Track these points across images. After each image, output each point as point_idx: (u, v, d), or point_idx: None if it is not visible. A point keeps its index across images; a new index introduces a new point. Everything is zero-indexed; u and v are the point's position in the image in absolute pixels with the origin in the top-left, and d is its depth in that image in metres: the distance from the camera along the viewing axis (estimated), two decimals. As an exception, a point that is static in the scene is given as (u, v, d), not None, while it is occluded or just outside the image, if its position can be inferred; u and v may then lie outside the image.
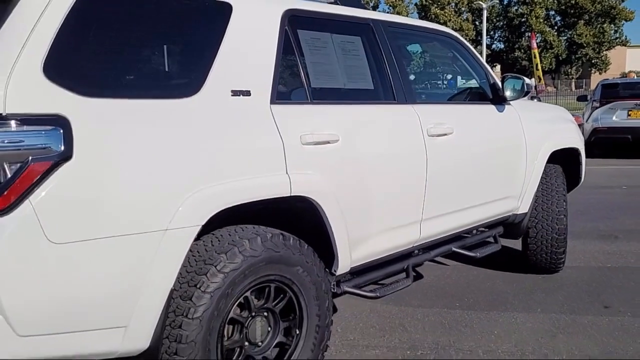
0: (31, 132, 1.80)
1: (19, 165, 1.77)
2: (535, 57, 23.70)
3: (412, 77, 3.60)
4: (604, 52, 51.88)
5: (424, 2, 55.27)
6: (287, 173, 2.44)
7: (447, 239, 3.58)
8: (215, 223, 2.24)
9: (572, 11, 50.92)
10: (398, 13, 55.68)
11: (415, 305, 3.89)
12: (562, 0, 50.60)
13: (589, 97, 13.22)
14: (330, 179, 2.63)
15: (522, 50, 51.19)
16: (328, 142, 2.64)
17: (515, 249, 4.80)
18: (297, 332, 2.58)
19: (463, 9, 54.43)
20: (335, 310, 3.64)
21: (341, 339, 3.36)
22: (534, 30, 45.69)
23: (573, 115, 5.08)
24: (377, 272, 3.14)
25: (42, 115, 1.83)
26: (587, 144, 10.73)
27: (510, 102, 3.90)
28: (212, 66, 2.34)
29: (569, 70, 54.29)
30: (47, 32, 1.90)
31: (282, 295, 2.53)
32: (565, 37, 52.52)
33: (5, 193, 1.76)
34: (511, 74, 3.89)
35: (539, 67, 21.53)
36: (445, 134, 3.28)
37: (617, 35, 52.44)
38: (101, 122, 1.95)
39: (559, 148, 4.27)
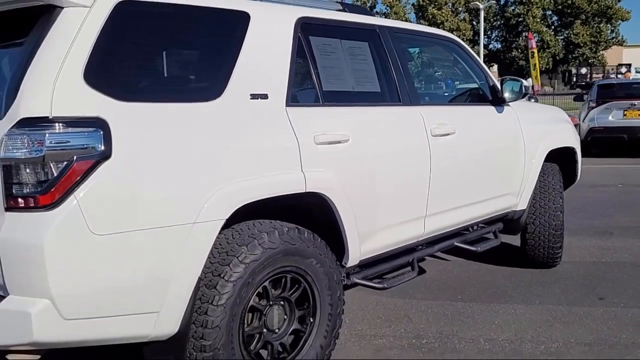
0: (75, 133, 1.97)
1: (65, 163, 1.94)
2: (533, 57, 23.92)
3: (416, 79, 3.78)
4: (601, 52, 52.14)
5: (421, 3, 55.43)
6: (302, 171, 2.61)
7: (450, 234, 3.77)
8: (235, 218, 2.41)
9: (568, 11, 51.17)
10: (395, 13, 55.82)
11: (419, 298, 4.07)
12: (558, 0, 50.87)
13: (585, 98, 13.42)
14: (341, 176, 2.80)
15: (519, 50, 51.39)
16: (339, 142, 2.81)
17: (513, 245, 4.98)
18: (311, 320, 2.76)
19: (460, 9, 54.63)
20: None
21: (349, 329, 3.53)
22: (531, 30, 45.97)
23: (569, 116, 5.26)
24: (384, 265, 3.32)
25: (84, 118, 2.00)
26: (584, 143, 11.00)
27: (509, 103, 4.08)
28: (232, 71, 2.51)
29: (566, 70, 54.53)
30: (85, 43, 2.08)
31: (297, 286, 2.70)
32: (562, 37, 52.77)
33: (53, 189, 1.93)
34: (510, 77, 4.08)
35: (537, 67, 21.70)
36: (448, 134, 3.46)
37: (614, 35, 52.72)
38: (136, 123, 2.12)
39: (555, 147, 4.45)
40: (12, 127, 1.95)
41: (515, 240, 4.83)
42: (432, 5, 54.16)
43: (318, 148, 2.71)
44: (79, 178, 1.96)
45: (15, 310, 1.94)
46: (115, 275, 2.06)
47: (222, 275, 2.35)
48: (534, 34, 43.28)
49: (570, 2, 50.09)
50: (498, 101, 4.03)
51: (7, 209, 1.97)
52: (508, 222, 4.32)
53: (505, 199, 4.12)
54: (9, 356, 2.21)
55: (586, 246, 5.35)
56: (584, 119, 12.26)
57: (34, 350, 2.22)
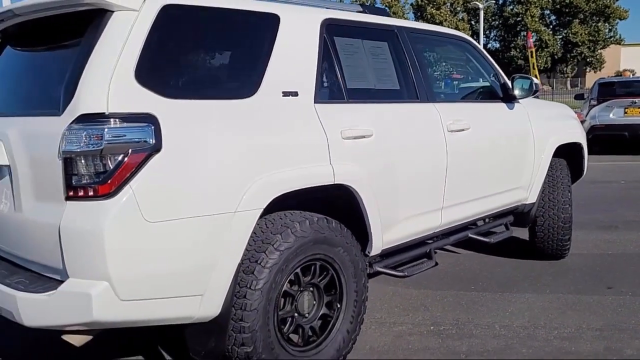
0: (129, 128, 2.13)
1: (121, 156, 2.09)
2: (531, 57, 24.09)
3: (431, 77, 3.93)
4: (599, 51, 52.37)
5: (420, 2, 55.61)
6: (330, 164, 2.76)
7: (464, 225, 3.92)
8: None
9: (567, 10, 51.38)
10: (394, 13, 56.02)
11: (434, 288, 4.22)
12: (557, -1, 51.13)
13: (586, 96, 13.59)
14: (366, 169, 2.95)
15: (518, 50, 51.62)
16: (364, 137, 2.97)
17: (521, 239, 5.14)
18: (338, 305, 2.91)
19: (459, 8, 54.83)
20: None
21: (369, 317, 3.66)
22: (530, 29, 46.16)
23: (576, 113, 5.42)
24: (403, 255, 3.47)
25: (136, 114, 2.15)
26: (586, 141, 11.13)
27: (519, 100, 4.24)
28: (265, 70, 2.66)
29: (565, 69, 54.78)
30: (135, 44, 2.23)
31: (325, 273, 2.85)
32: (561, 36, 52.98)
33: (110, 180, 2.08)
34: (520, 75, 4.24)
35: (535, 66, 21.87)
36: (463, 130, 3.61)
37: (612, 33, 52.96)
38: (182, 119, 2.27)
39: (563, 143, 4.61)
40: (71, 123, 2.10)
41: (523, 235, 4.99)
42: (431, 5, 54.34)
43: (344, 142, 2.86)
44: (133, 169, 2.11)
45: (77, 292, 2.09)
46: (165, 260, 2.21)
47: (258, 262, 2.50)
48: (533, 34, 43.48)
49: (568, 1, 50.31)
50: (509, 98, 4.18)
51: (68, 199, 2.12)
52: (518, 214, 4.47)
53: (516, 192, 4.28)
54: (64, 336, 2.36)
55: (592, 239, 5.50)
56: (585, 116, 12.42)
57: (86, 332, 2.36)
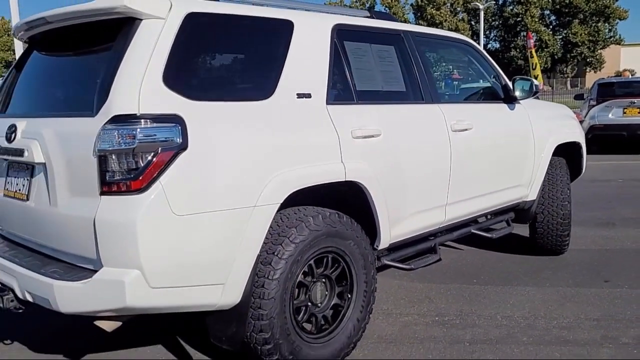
0: (159, 128, 2.29)
1: (152, 154, 2.26)
2: (532, 57, 24.21)
3: (436, 79, 4.10)
4: (599, 51, 52.55)
5: (420, 3, 55.79)
6: (342, 162, 2.93)
7: (467, 221, 4.09)
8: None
9: (566, 10, 51.55)
10: (394, 14, 56.18)
11: (438, 282, 4.39)
12: (556, -1, 51.30)
13: (585, 96, 13.75)
14: (374, 167, 3.11)
15: (518, 50, 51.79)
16: (372, 136, 3.13)
17: (523, 236, 5.30)
18: (349, 295, 3.07)
19: (459, 9, 55.01)
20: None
21: (376, 308, 3.81)
22: (530, 29, 46.29)
23: (575, 113, 5.59)
24: (409, 249, 3.64)
25: (165, 115, 2.32)
26: (584, 140, 11.28)
27: (520, 101, 4.40)
28: (281, 73, 2.83)
29: (564, 69, 54.96)
30: (163, 50, 2.39)
31: (337, 265, 3.02)
32: (560, 36, 53.16)
33: (142, 176, 2.25)
34: (520, 76, 4.41)
35: (537, 66, 22.00)
36: (466, 130, 3.78)
37: (612, 34, 53.13)
38: (206, 119, 2.44)
39: (562, 142, 4.78)
40: (106, 123, 2.26)
41: (523, 231, 5.16)
42: (431, 6, 54.51)
43: (355, 142, 3.02)
44: (162, 166, 2.27)
45: (111, 280, 2.26)
46: (191, 250, 2.38)
47: (275, 254, 2.67)
48: (533, 34, 43.61)
49: (568, 1, 50.48)
50: (510, 99, 4.35)
51: (102, 193, 2.29)
52: (519, 211, 4.64)
53: (517, 189, 4.44)
54: (96, 322, 2.52)
55: (591, 236, 5.67)
56: (585, 116, 12.60)
57: (117, 318, 2.53)
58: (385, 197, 3.17)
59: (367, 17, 3.69)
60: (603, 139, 12.37)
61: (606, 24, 52.13)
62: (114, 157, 2.26)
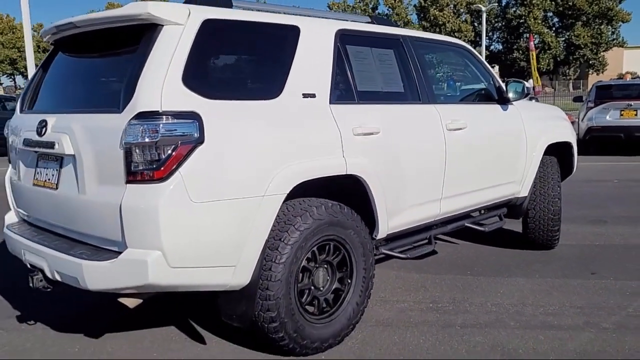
0: (179, 123, 2.55)
1: (172, 147, 2.52)
2: (533, 59, 24.47)
3: (432, 81, 4.34)
4: (602, 53, 52.74)
5: (423, 4, 56.00)
6: (343, 157, 3.18)
7: (461, 215, 4.34)
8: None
9: (569, 12, 51.74)
10: (397, 14, 56.39)
11: (433, 273, 4.64)
12: (560, 1, 51.43)
13: (584, 98, 13.98)
14: (374, 162, 3.36)
15: (520, 51, 51.98)
16: (372, 134, 3.38)
17: (515, 231, 5.55)
18: (349, 281, 3.33)
19: (462, 10, 55.20)
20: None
21: (374, 296, 4.07)
22: (532, 31, 46.50)
23: (567, 114, 5.83)
24: (405, 240, 3.89)
25: (184, 112, 2.57)
26: (582, 142, 11.62)
27: (513, 102, 4.65)
28: (288, 75, 3.08)
29: (567, 71, 55.13)
30: (182, 53, 2.65)
31: (338, 252, 3.27)
32: (563, 38, 53.34)
33: (164, 167, 2.51)
34: (513, 79, 4.66)
35: (536, 68, 22.26)
36: (460, 129, 4.03)
37: (614, 36, 53.30)
38: (220, 116, 2.69)
39: (554, 142, 5.03)
40: (132, 119, 2.52)
41: (516, 227, 5.41)
42: (434, 7, 54.71)
43: (355, 138, 3.27)
44: (182, 158, 2.53)
45: (135, 259, 2.52)
46: (206, 234, 2.63)
47: (282, 239, 2.92)
48: (535, 36, 43.83)
49: (571, 3, 50.66)
50: (503, 100, 4.60)
51: (128, 182, 2.55)
52: (512, 207, 4.88)
53: (509, 186, 4.69)
54: (120, 299, 2.78)
55: (582, 232, 5.92)
56: (583, 118, 12.83)
57: (139, 295, 2.78)
58: (383, 190, 3.42)
59: (369, 22, 3.95)
60: (600, 141, 12.61)
61: (609, 27, 52.32)
62: (138, 149, 2.51)
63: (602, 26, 51.72)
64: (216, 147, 2.64)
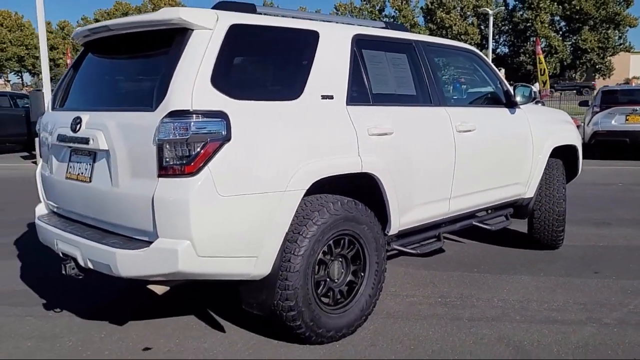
0: (208, 122, 2.72)
1: (202, 143, 2.69)
2: (540, 63, 24.54)
3: (443, 84, 4.51)
4: (608, 58, 52.78)
5: (430, 6, 56.15)
6: (359, 155, 3.35)
7: (469, 214, 4.50)
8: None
9: (577, 17, 51.80)
10: (404, 17, 56.55)
11: (441, 270, 4.80)
12: (567, 5, 51.50)
13: (590, 103, 14.11)
14: (387, 161, 3.53)
15: (527, 55, 52.06)
16: (386, 134, 3.55)
17: (521, 232, 5.70)
18: (362, 274, 3.49)
19: (469, 13, 55.31)
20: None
21: (384, 290, 4.22)
22: (539, 35, 46.55)
23: (572, 118, 5.99)
24: (416, 236, 4.05)
25: (213, 111, 2.75)
26: (588, 146, 11.74)
27: (520, 105, 4.81)
28: (308, 77, 3.25)
29: (573, 75, 55.17)
30: (211, 55, 2.82)
31: (352, 246, 3.43)
32: (570, 42, 53.39)
33: (193, 163, 2.68)
34: (521, 83, 4.82)
35: (545, 72, 22.36)
36: (470, 131, 4.19)
37: (621, 41, 53.34)
38: (246, 116, 2.86)
39: (559, 144, 5.18)
40: (164, 117, 2.69)
41: (522, 227, 5.56)
42: (441, 9, 54.85)
43: (370, 138, 3.44)
44: (210, 154, 2.70)
45: (166, 248, 2.69)
46: (232, 226, 2.80)
47: (300, 233, 3.09)
48: (542, 39, 43.88)
49: (578, 7, 50.72)
50: (511, 104, 4.76)
51: (160, 176, 2.72)
52: (518, 207, 5.04)
53: (516, 187, 4.85)
54: (149, 286, 2.95)
55: (586, 233, 6.06)
56: (588, 122, 12.96)
57: (167, 282, 2.96)
58: (395, 188, 3.59)
59: (383, 27, 4.12)
60: (606, 145, 12.73)
61: (616, 31, 52.38)
62: (170, 145, 2.69)
63: (609, 31, 51.78)
64: (242, 144, 2.81)
